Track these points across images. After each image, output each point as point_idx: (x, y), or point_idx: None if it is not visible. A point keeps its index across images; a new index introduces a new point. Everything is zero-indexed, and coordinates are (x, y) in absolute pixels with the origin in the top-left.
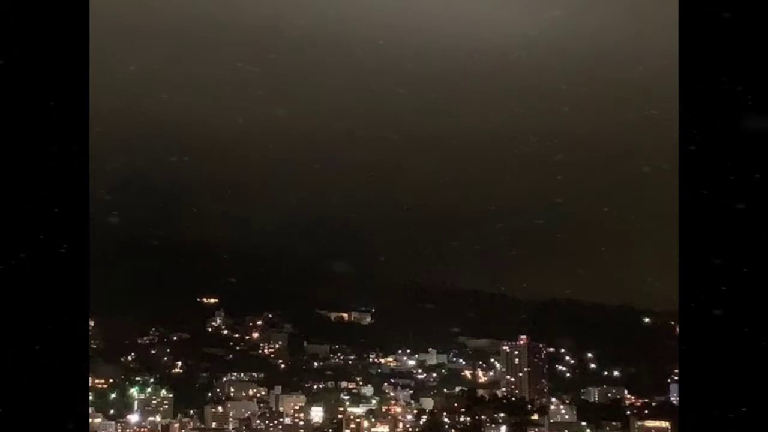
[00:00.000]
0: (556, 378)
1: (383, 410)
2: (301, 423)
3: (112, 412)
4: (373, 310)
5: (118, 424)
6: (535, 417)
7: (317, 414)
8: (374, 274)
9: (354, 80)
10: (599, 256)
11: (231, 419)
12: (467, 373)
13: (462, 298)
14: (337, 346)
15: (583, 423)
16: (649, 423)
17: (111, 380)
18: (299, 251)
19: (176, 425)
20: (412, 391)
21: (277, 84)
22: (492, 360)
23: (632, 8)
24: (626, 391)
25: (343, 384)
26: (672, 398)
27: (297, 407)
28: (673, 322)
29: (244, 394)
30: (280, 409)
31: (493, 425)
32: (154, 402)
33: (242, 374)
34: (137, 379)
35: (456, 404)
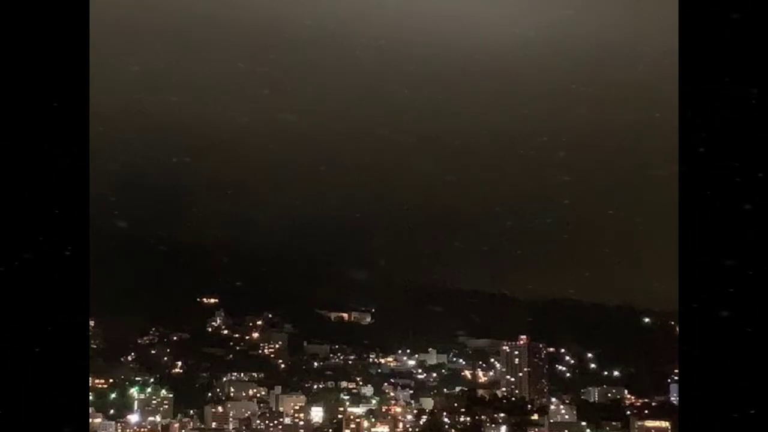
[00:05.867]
0: (556, 378)
1: (383, 410)
2: (301, 423)
3: (112, 412)
4: (373, 310)
5: (118, 424)
6: (535, 417)
7: (317, 414)
8: (374, 274)
9: (354, 80)
10: (599, 256)
11: (231, 419)
12: (467, 373)
13: (462, 298)
14: (337, 346)
15: (583, 423)
16: (649, 423)
17: (111, 380)
18: (299, 251)
19: (176, 425)
20: (412, 391)
21: (278, 84)
22: (492, 360)
23: (632, 8)
24: (626, 391)
25: (343, 384)
26: (672, 398)
27: (297, 407)
28: (673, 322)
29: (244, 394)
30: (280, 409)
31: (493, 425)
32: (154, 402)
33: (242, 374)
34: (137, 379)
35: (456, 404)
